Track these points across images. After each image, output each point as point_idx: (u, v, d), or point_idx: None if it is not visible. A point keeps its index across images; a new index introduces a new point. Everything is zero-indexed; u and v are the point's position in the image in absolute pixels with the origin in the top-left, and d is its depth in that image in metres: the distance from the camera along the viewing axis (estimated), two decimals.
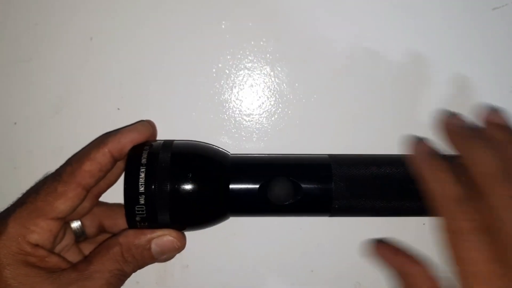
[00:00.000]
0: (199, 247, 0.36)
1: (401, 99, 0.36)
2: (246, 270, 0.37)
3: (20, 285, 0.25)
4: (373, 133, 0.35)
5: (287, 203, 0.29)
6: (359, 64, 0.35)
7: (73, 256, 0.30)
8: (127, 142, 0.29)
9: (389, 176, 0.30)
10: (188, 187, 0.28)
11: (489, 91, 0.36)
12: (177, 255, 0.36)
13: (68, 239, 0.30)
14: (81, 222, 0.31)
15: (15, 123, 0.35)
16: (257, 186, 0.29)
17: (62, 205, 0.27)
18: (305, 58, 0.35)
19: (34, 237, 0.26)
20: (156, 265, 0.36)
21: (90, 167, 0.28)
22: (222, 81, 0.35)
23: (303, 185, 0.29)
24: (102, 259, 0.27)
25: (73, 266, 0.27)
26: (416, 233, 0.37)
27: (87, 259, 0.28)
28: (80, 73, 0.34)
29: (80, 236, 0.31)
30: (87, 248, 0.31)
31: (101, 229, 0.32)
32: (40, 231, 0.26)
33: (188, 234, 0.36)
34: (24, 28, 0.34)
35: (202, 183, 0.28)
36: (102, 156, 0.28)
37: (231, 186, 0.29)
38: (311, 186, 0.29)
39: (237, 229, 0.36)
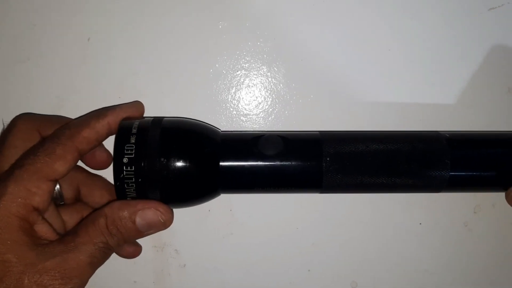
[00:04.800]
0: (196, 246, 0.37)
1: (400, 100, 0.36)
2: (243, 269, 0.37)
3: (7, 252, 0.25)
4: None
5: (276, 155, 0.29)
6: (356, 63, 0.35)
7: (51, 219, 0.29)
8: (126, 116, 0.30)
9: (379, 152, 0.30)
10: (177, 162, 0.28)
11: (486, 91, 0.36)
12: (174, 255, 0.36)
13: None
14: (59, 185, 0.31)
15: None
16: (248, 158, 0.29)
17: (61, 167, 0.27)
18: (301, 58, 0.35)
19: (36, 199, 0.26)
20: (153, 265, 0.36)
21: (89, 134, 0.28)
22: (219, 82, 0.35)
23: (293, 162, 0.29)
24: (87, 230, 0.27)
25: (60, 239, 0.27)
26: (414, 233, 0.37)
27: (74, 231, 0.28)
28: (78, 73, 0.34)
29: (57, 199, 0.31)
30: (66, 214, 0.31)
31: (78, 196, 0.32)
32: (41, 193, 0.26)
33: (186, 233, 0.36)
34: (22, 29, 0.34)
35: (191, 158, 0.28)
36: (101, 127, 0.29)
37: (221, 162, 0.29)
38: (302, 161, 0.29)
39: (234, 228, 0.36)
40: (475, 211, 0.37)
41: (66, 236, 0.27)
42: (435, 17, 0.35)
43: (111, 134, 0.30)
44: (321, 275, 0.37)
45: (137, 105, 0.32)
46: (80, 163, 0.32)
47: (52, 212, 0.30)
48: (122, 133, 0.28)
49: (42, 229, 0.27)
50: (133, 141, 0.27)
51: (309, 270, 0.37)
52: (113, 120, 0.29)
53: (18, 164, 0.27)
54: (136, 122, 0.29)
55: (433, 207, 0.37)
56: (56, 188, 0.30)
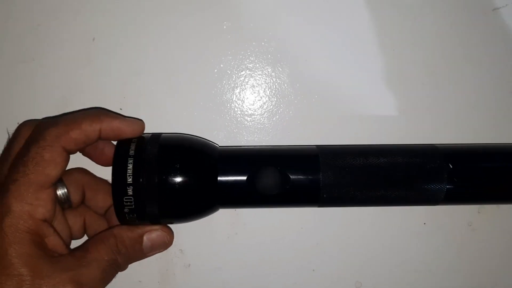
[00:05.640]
0: (201, 246, 0.37)
1: (401, 99, 0.36)
2: (248, 269, 0.37)
3: (23, 265, 0.25)
4: (376, 132, 0.35)
5: (275, 193, 0.29)
6: (360, 63, 0.35)
7: (60, 225, 0.29)
8: (119, 129, 0.29)
9: (376, 166, 0.30)
10: (176, 179, 0.28)
11: (489, 92, 0.36)
12: (179, 255, 0.36)
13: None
14: (67, 189, 0.31)
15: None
16: (245, 177, 0.29)
17: (53, 171, 0.27)
18: (306, 58, 0.35)
19: (41, 211, 0.26)
20: (158, 265, 0.36)
21: (77, 136, 0.28)
22: (224, 81, 0.35)
23: (291, 176, 0.29)
24: (98, 248, 0.28)
25: (71, 253, 0.28)
26: (418, 233, 0.37)
27: (84, 247, 0.28)
28: (83, 73, 0.35)
29: (65, 203, 0.31)
30: (71, 219, 0.31)
31: (83, 199, 0.32)
32: (43, 203, 0.26)
33: (190, 233, 0.36)
34: (27, 29, 0.34)
35: (190, 174, 0.28)
36: (91, 131, 0.28)
37: (219, 177, 0.29)
38: (299, 176, 0.29)
39: (238, 228, 0.36)
40: (479, 211, 0.37)
41: (76, 252, 0.28)
42: (438, 18, 0.35)
43: (102, 139, 0.29)
44: (326, 275, 0.37)
45: (135, 125, 0.30)
46: (88, 163, 0.32)
47: (60, 219, 0.30)
48: (118, 183, 0.28)
49: (53, 242, 0.27)
50: (130, 192, 0.27)
51: (313, 270, 0.37)
52: (106, 128, 0.29)
53: (12, 178, 0.26)
54: (130, 168, 0.28)
55: (437, 207, 0.37)
56: (63, 192, 0.30)
